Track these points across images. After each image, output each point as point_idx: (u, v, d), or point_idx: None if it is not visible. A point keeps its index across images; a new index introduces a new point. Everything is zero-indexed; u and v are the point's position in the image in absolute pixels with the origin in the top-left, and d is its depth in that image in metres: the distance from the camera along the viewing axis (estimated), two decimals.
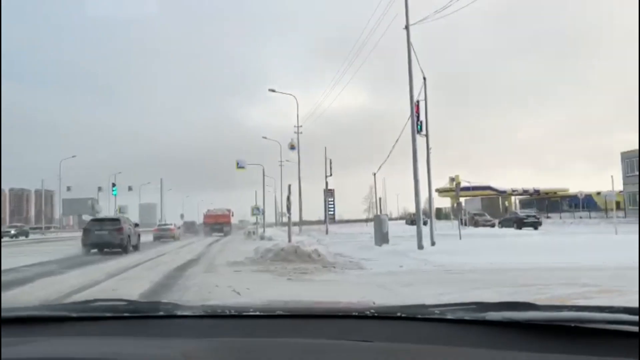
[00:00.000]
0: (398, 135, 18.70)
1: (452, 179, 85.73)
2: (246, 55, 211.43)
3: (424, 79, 17.49)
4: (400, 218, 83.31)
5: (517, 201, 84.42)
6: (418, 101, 17.36)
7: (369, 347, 1.18)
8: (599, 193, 59.18)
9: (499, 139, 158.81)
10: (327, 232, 39.72)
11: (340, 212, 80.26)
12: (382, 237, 19.15)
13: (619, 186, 55.28)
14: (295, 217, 38.47)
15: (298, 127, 42.40)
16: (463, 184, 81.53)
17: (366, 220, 62.13)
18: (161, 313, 1.49)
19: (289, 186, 26.54)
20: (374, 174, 26.77)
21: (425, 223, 19.48)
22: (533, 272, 10.16)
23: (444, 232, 25.29)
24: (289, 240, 21.11)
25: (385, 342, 1.23)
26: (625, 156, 54.33)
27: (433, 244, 17.68)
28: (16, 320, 1.37)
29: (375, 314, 1.43)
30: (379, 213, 25.59)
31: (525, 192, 79.66)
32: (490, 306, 1.36)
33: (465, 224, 41.65)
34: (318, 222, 63.24)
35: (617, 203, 56.44)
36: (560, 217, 60.61)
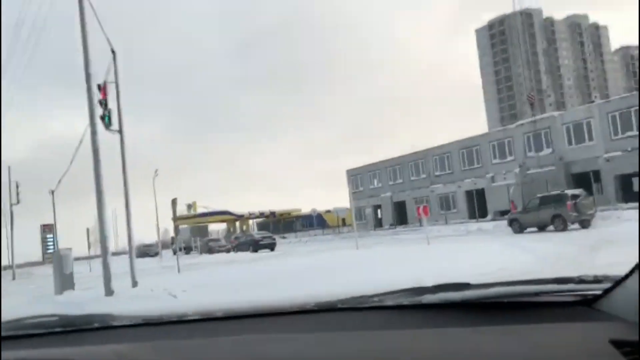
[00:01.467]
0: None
1: (189, 206, 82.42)
2: None
3: (113, 52, 12.53)
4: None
5: (255, 224, 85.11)
6: (105, 82, 12.29)
7: (309, 339, 1.17)
8: (328, 211, 62.30)
9: (237, 165, 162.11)
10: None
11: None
12: (63, 281, 13.34)
13: (346, 203, 57.88)
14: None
15: None
16: (200, 210, 79.24)
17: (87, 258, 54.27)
18: (96, 325, 1.43)
19: None
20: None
21: (155, 254, 14.20)
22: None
23: (170, 264, 21.09)
24: None
25: (327, 332, 1.23)
26: (351, 173, 57.07)
27: (135, 284, 12.72)
28: None
29: (315, 308, 1.45)
30: (60, 248, 19.18)
31: (261, 214, 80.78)
32: (427, 289, 1.42)
33: (199, 251, 38.09)
34: (31, 264, 54.47)
35: (343, 220, 60.25)
36: (296, 236, 61.10)
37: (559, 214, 20.68)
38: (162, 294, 10.74)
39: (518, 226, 22.42)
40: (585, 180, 32.71)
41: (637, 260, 1.15)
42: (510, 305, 1.26)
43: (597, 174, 32.63)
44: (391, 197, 50.82)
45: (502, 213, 35.54)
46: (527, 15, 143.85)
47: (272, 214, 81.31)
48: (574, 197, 20.82)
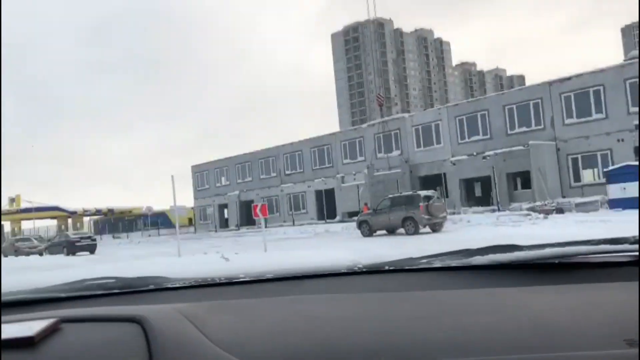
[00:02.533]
0: None
1: (12, 200, 71.93)
2: None
3: None
4: None
5: (92, 222, 77.58)
6: None
7: (357, 299, 1.18)
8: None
9: (80, 156, 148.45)
10: None
11: None
12: None
13: (190, 202, 53.62)
14: None
15: None
16: (24, 205, 69.40)
17: None
18: (151, 286, 1.46)
19: None
20: None
21: None
22: None
23: None
24: None
25: (374, 293, 1.25)
26: (196, 169, 52.81)
27: None
28: (9, 304, 1.32)
29: (364, 270, 1.46)
30: None
31: (98, 211, 73.35)
32: (476, 251, 1.41)
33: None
34: None
35: (189, 219, 56.00)
36: (128, 236, 55.34)
37: (411, 217, 19.03)
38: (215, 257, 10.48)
39: (367, 229, 20.48)
40: (432, 183, 32.33)
41: None
42: (561, 266, 1.27)
43: (443, 178, 32.42)
44: (238, 196, 47.58)
45: (351, 214, 34.18)
46: (379, 25, 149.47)
47: (110, 211, 74.00)
48: (427, 198, 19.34)
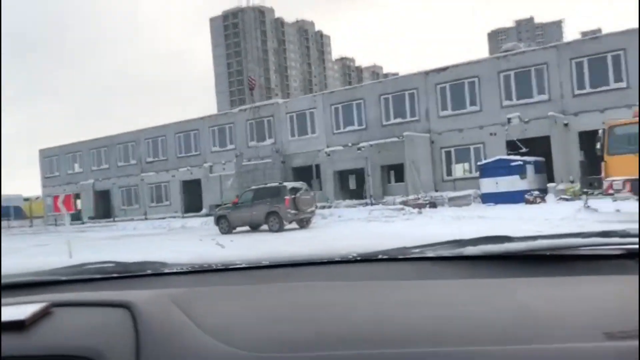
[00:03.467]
0: None
1: None
2: None
3: None
4: None
5: None
6: None
7: (350, 287, 1.19)
8: (27, 199, 50.82)
9: None
10: None
11: None
12: None
13: (38, 190, 47.31)
14: None
15: None
16: None
17: None
18: (149, 271, 1.48)
19: None
20: None
21: None
22: None
23: None
24: None
25: (368, 281, 1.25)
26: (45, 154, 46.50)
27: None
28: (7, 287, 1.35)
29: (358, 258, 1.46)
30: None
31: None
32: (468, 242, 1.40)
33: None
34: None
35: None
36: None
37: (275, 211, 16.55)
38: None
39: (226, 225, 17.72)
40: (307, 174, 30.18)
41: None
42: (552, 258, 1.28)
43: (317, 169, 30.48)
44: (93, 185, 42.38)
45: (219, 207, 31.14)
46: (260, 13, 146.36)
47: None
48: (294, 190, 16.97)
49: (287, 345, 0.87)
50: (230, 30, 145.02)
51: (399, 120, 28.54)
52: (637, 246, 1.22)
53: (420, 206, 22.47)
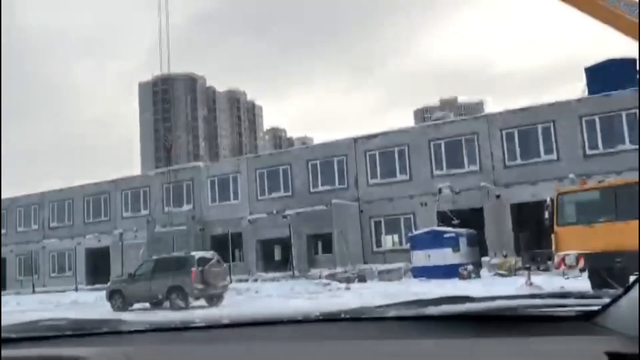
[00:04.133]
0: None
1: None
2: None
3: None
4: None
5: None
6: None
7: (312, 347, 1.17)
8: None
9: None
10: None
11: None
12: None
13: None
14: None
15: None
16: None
17: None
18: (105, 329, 1.45)
19: None
20: None
21: None
22: None
23: None
24: None
25: (330, 341, 1.24)
26: None
27: None
28: None
29: (320, 317, 1.45)
30: None
31: None
32: (430, 302, 1.42)
33: None
34: None
35: None
36: None
37: (179, 286, 14.06)
38: None
39: (121, 301, 14.95)
40: (226, 244, 27.65)
41: (636, 277, 1.22)
42: (511, 319, 1.29)
43: (239, 238, 28.12)
44: None
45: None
46: (192, 80, 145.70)
47: None
48: (203, 261, 14.61)
49: None
50: (159, 97, 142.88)
51: (327, 187, 27.00)
52: (591, 308, 1.26)
53: (349, 280, 20.53)
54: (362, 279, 21.48)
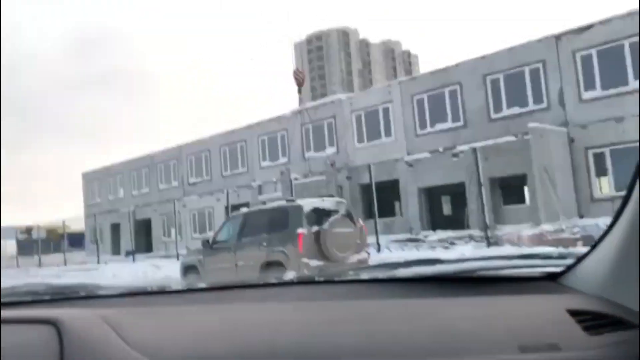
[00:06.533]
0: None
1: None
2: None
3: None
4: None
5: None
6: None
7: (287, 308, 1.20)
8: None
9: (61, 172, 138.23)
10: None
11: None
12: None
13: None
14: None
15: None
16: None
17: None
18: (82, 294, 1.44)
19: None
20: None
21: None
22: None
23: None
24: None
25: (305, 302, 1.27)
26: (88, 177, 40.83)
27: None
28: None
29: (295, 281, 1.52)
30: None
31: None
32: (402, 264, 1.50)
33: None
34: None
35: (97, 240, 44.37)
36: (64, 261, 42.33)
37: (278, 262, 7.87)
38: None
39: (197, 281, 9.29)
40: (381, 194, 21.13)
41: (597, 239, 1.20)
42: (480, 279, 1.34)
43: (394, 186, 21.49)
44: (133, 214, 35.64)
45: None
46: (344, 34, 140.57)
47: (28, 230, 61.94)
48: (318, 216, 8.20)
49: None
50: (314, 54, 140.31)
51: (515, 109, 19.00)
52: (557, 269, 1.32)
53: (568, 243, 12.85)
54: (587, 240, 13.59)
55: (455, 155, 18.88)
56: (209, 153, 31.50)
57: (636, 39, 16.21)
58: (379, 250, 15.82)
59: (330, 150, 24.67)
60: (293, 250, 7.92)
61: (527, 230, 14.36)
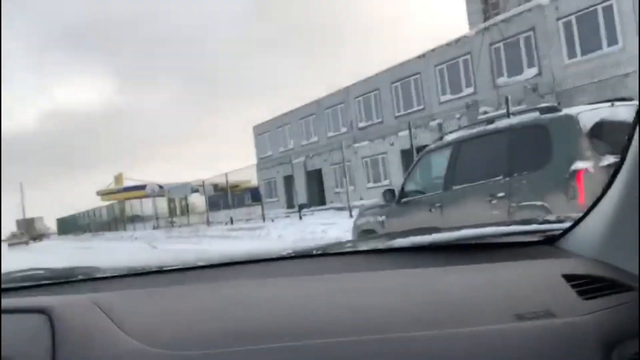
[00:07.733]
0: None
1: (116, 178, 65.81)
2: None
3: None
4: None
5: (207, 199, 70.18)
6: None
7: (286, 283, 1.20)
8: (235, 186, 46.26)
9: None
10: None
11: None
12: None
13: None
14: None
15: None
16: (128, 183, 62.58)
17: None
18: (80, 277, 1.43)
19: None
20: None
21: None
22: None
23: None
24: None
25: (303, 276, 1.26)
26: (258, 130, 40.09)
27: None
28: None
29: (292, 254, 1.47)
30: None
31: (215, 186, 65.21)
32: (399, 234, 1.46)
33: None
34: None
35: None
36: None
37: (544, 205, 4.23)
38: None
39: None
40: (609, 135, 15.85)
41: (594, 200, 1.17)
42: (478, 247, 1.33)
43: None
44: (304, 164, 34.01)
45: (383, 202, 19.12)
46: None
47: (215, 186, 64.92)
48: (614, 134, 4.35)
49: (210, 342, 0.87)
50: None
51: None
52: (554, 233, 1.30)
53: None
54: None
55: None
56: (378, 92, 28.08)
57: None
58: None
59: (530, 72, 19.63)
60: (564, 202, 4.20)
61: None
